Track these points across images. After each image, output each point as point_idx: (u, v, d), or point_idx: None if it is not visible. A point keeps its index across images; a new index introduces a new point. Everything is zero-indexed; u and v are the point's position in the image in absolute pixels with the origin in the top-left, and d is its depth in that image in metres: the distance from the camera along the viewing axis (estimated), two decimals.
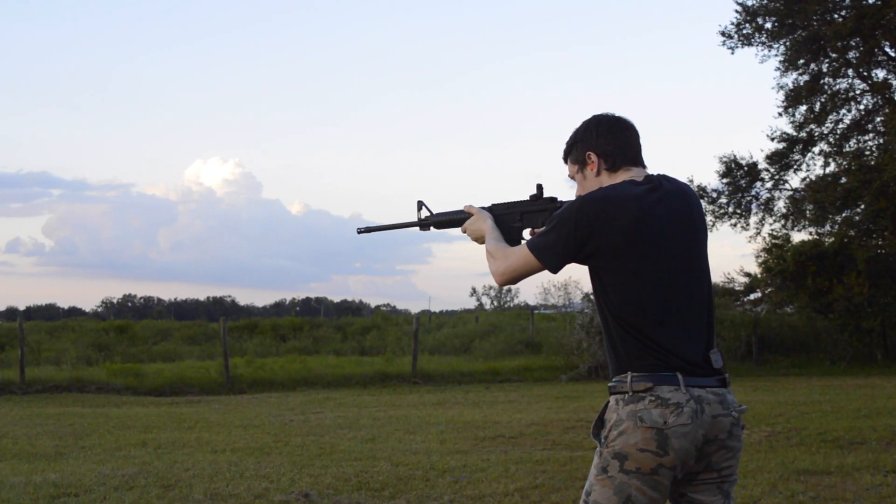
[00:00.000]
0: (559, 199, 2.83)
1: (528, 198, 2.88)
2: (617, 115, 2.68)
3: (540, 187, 2.87)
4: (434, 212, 3.11)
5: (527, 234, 2.87)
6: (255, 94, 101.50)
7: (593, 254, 2.49)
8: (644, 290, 2.46)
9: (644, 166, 2.66)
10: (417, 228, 3.14)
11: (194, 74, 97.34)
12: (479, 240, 2.89)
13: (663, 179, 2.59)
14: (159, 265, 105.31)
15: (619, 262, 2.47)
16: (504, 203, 2.92)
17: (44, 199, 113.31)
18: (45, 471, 6.94)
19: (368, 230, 3.26)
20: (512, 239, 2.81)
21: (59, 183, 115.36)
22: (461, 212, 3.01)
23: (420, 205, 3.12)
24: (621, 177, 2.60)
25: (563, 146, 2.75)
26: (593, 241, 2.46)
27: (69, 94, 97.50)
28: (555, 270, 2.55)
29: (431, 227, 3.12)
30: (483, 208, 2.94)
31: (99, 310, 70.62)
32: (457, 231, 3.09)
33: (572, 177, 2.73)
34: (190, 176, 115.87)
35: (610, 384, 2.50)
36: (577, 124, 2.71)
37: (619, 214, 2.45)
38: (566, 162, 2.76)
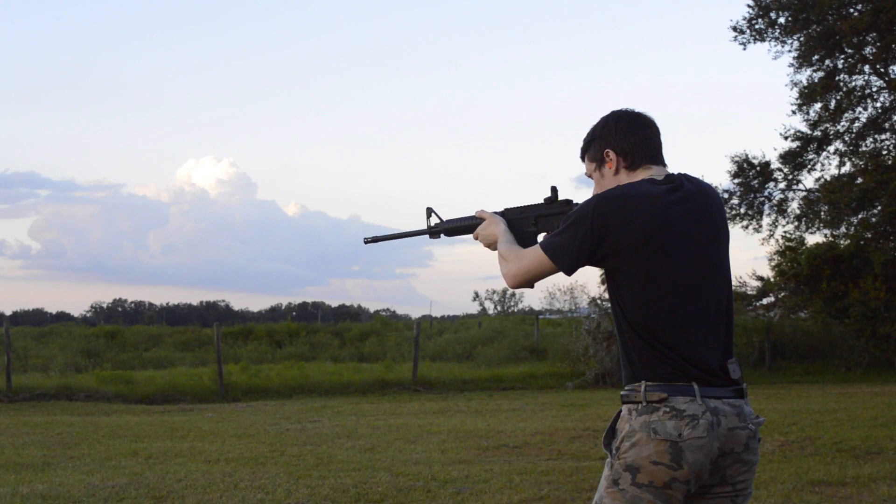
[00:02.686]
0: (575, 202, 2.79)
1: (542, 201, 2.84)
2: (637, 110, 2.65)
3: (555, 190, 2.83)
4: (444, 218, 3.08)
5: (542, 238, 2.84)
6: (249, 90, 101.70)
7: (609, 255, 2.46)
8: (660, 294, 2.44)
9: (665, 165, 2.63)
10: (427, 237, 3.10)
11: (187, 70, 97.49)
12: (492, 245, 2.85)
13: (685, 179, 2.56)
14: (150, 268, 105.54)
15: (635, 263, 2.44)
16: (517, 207, 2.88)
17: (30, 199, 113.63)
18: (33, 482, 6.93)
19: (376, 240, 3.23)
20: (526, 244, 2.76)
21: (46, 183, 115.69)
22: (473, 217, 2.98)
23: (429, 212, 3.09)
24: (640, 175, 2.57)
25: (581, 143, 2.72)
26: (609, 241, 2.44)
27: (57, 91, 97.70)
28: (569, 272, 2.52)
29: (442, 235, 3.08)
30: (496, 213, 2.92)
31: (88, 315, 70.76)
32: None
33: (589, 175, 2.70)
34: (182, 176, 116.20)
35: (622, 393, 2.49)
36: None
37: (636, 214, 2.42)
38: (583, 160, 2.73)
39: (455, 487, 6.52)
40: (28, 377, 16.74)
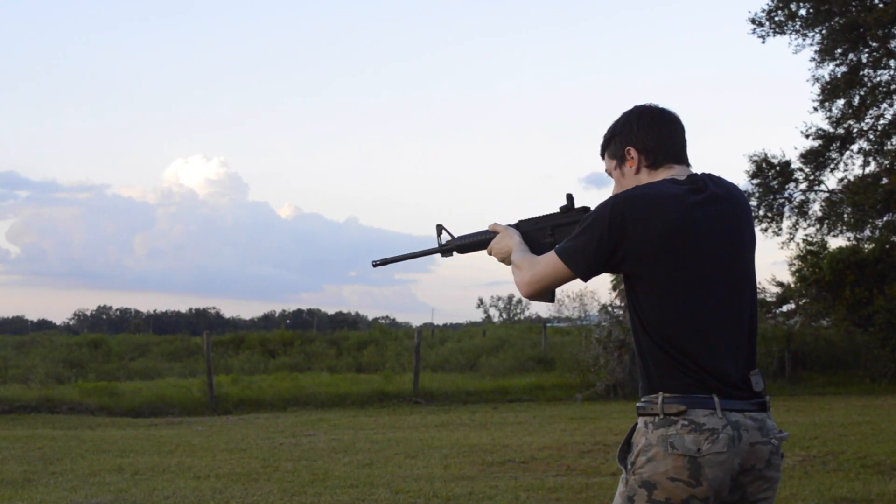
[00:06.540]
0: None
1: (557, 210, 2.85)
2: (660, 106, 2.65)
3: (570, 197, 2.84)
4: (455, 235, 3.09)
5: None
6: (241, 86, 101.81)
7: (627, 258, 2.46)
8: (680, 301, 2.43)
9: (688, 164, 2.63)
10: (439, 256, 3.11)
11: (175, 65, 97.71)
12: (506, 259, 2.84)
13: (709, 180, 2.56)
14: (136, 274, 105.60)
15: (654, 268, 2.44)
16: (532, 218, 2.90)
17: (9, 201, 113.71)
18: (13, 499, 6.94)
19: (385, 262, 3.24)
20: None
21: (26, 184, 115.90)
22: (486, 232, 2.99)
23: (440, 229, 3.10)
24: (662, 175, 2.58)
25: (601, 140, 2.72)
26: (627, 243, 2.43)
27: (37, 87, 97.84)
28: (585, 277, 2.52)
29: (454, 253, 3.09)
30: (510, 226, 2.92)
31: (71, 323, 70.84)
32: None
33: (609, 173, 2.71)
34: (169, 176, 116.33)
35: (639, 405, 2.48)
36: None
37: (656, 215, 2.42)
38: (603, 157, 2.73)
39: None
40: (7, 388, 16.77)
